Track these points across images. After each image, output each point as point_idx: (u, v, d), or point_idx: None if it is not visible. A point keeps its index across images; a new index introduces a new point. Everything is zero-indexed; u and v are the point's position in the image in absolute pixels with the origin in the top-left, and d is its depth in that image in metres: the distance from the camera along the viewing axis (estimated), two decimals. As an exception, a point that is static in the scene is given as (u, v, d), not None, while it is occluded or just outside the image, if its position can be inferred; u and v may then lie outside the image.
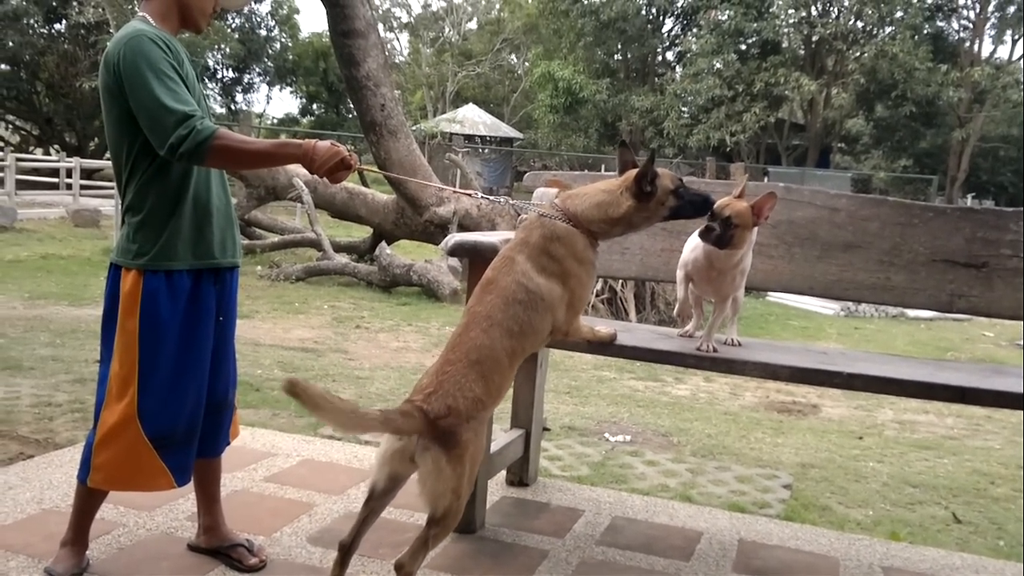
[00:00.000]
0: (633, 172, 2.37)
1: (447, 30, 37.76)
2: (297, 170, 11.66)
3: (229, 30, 27.85)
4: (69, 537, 2.51)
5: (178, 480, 2.44)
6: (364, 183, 13.98)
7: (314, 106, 30.34)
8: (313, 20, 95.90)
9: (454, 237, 2.98)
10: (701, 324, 2.94)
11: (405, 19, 39.37)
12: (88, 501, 2.50)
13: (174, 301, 2.37)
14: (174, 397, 2.39)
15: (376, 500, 2.23)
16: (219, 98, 31.00)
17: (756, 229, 2.62)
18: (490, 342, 2.21)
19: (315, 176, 2.29)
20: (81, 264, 10.66)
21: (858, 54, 26.00)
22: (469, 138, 29.92)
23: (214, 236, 2.43)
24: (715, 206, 2.48)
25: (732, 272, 2.70)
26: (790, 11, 26.06)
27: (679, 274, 2.86)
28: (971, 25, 28.13)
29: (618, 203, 2.35)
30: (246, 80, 30.93)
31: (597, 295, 9.58)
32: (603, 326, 2.64)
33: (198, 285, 2.42)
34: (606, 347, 2.59)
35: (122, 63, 2.23)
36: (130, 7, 23.44)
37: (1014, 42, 29.21)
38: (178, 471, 2.44)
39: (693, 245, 2.76)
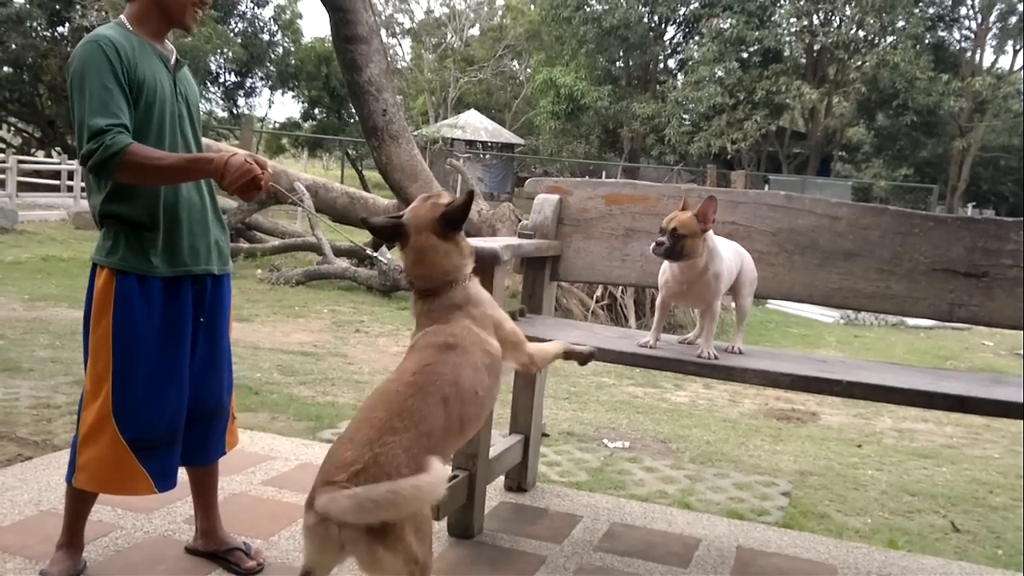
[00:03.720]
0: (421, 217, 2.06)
1: (449, 36, 37.85)
2: (299, 174, 11.69)
3: (232, 35, 27.87)
4: (64, 539, 2.51)
5: (159, 485, 2.42)
6: (365, 187, 13.97)
7: (316, 111, 30.30)
8: (316, 25, 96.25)
9: (455, 242, 2.97)
10: (672, 333, 2.95)
11: (408, 25, 39.50)
12: (78, 502, 2.49)
13: (148, 304, 2.34)
14: (151, 400, 2.36)
15: None
16: (221, 102, 30.98)
17: (711, 235, 2.66)
18: (447, 413, 1.87)
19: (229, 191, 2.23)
20: (81, 266, 10.64)
21: (859, 63, 26.05)
22: (471, 144, 29.96)
23: (183, 243, 2.39)
24: (664, 222, 2.58)
25: (704, 279, 2.71)
26: (792, 20, 26.11)
27: (658, 301, 2.92)
28: (972, 35, 28.21)
29: (458, 250, 2.08)
30: (248, 84, 30.90)
31: (597, 301, 9.57)
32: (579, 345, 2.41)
33: (174, 290, 2.39)
34: (584, 358, 2.37)
35: (70, 70, 2.26)
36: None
37: (1015, 52, 29.28)
38: (159, 476, 2.42)
39: (663, 268, 2.81)
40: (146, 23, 2.38)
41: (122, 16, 2.39)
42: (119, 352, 2.33)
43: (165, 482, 2.44)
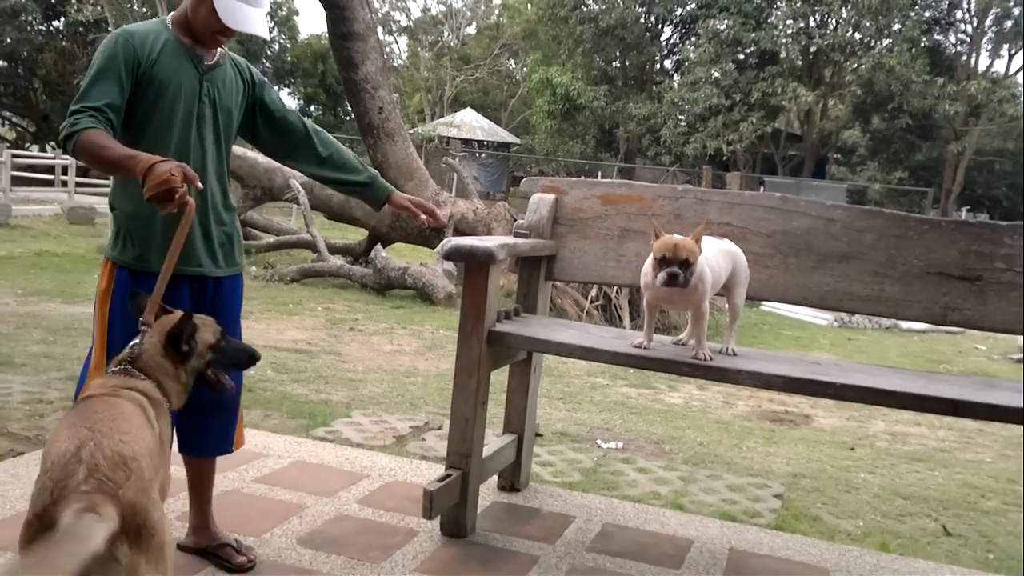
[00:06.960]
0: (166, 324, 2.07)
1: (446, 34, 37.79)
2: (293, 172, 11.66)
3: (228, 30, 27.82)
4: None
5: None
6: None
7: (312, 108, 30.33)
8: (312, 22, 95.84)
9: (450, 241, 2.98)
10: (665, 334, 2.95)
11: (404, 23, 39.40)
12: None
13: None
14: None
15: None
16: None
17: None
18: None
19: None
20: (75, 261, 10.63)
21: (855, 66, 26.09)
22: (466, 142, 29.94)
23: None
24: (669, 251, 2.55)
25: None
26: (788, 22, 26.13)
27: (644, 304, 2.91)
28: (968, 39, 28.28)
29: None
30: (244, 81, 30.88)
31: (591, 301, 9.58)
32: None
33: (171, 288, 2.33)
34: None
35: None
36: (129, 5, 23.43)
37: (1010, 56, 29.48)
38: None
39: (644, 272, 2.77)
40: (181, 28, 2.45)
41: (170, 14, 2.49)
42: (112, 344, 2.35)
43: None
